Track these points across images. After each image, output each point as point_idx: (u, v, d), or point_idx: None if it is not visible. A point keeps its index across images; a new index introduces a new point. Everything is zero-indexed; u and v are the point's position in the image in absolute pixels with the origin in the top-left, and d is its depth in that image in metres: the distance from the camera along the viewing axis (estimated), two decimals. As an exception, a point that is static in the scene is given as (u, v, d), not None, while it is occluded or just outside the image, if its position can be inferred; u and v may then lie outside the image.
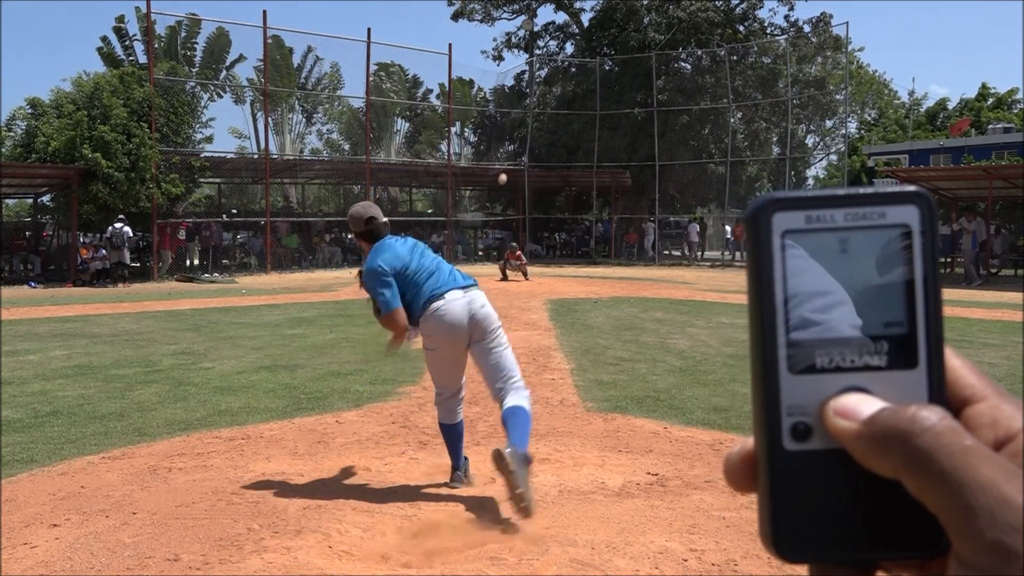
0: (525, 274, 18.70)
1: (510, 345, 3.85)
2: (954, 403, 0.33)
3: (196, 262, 24.20)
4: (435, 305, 3.71)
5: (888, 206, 0.34)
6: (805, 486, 0.34)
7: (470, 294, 3.78)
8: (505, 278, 18.53)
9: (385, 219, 4.07)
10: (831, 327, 0.34)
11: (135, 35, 25.53)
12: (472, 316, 3.72)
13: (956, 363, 0.34)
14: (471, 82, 34.39)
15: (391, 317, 3.75)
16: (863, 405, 0.33)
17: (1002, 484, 0.28)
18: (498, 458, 3.25)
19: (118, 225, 18.65)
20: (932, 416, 0.31)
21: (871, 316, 0.34)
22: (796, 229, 0.34)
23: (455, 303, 3.72)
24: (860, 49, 44.67)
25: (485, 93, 33.76)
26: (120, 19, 25.72)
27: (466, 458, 4.02)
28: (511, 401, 3.63)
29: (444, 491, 3.82)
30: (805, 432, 0.34)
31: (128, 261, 19.05)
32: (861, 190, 0.34)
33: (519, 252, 19.52)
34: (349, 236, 26.82)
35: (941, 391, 0.34)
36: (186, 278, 20.33)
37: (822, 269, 0.34)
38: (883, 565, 0.34)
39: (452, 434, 3.96)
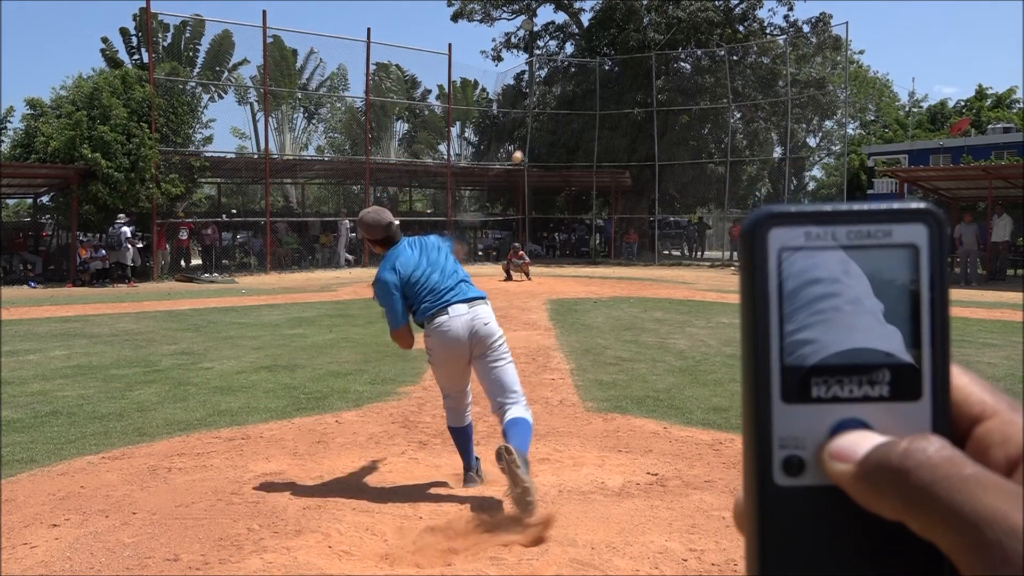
0: (527, 274, 18.74)
1: (513, 360, 3.82)
2: (964, 423, 0.31)
3: (198, 262, 24.20)
4: (438, 320, 3.69)
5: (895, 224, 0.32)
6: (797, 525, 0.31)
7: (475, 309, 3.73)
8: (509, 278, 18.56)
9: (397, 221, 4.09)
10: (829, 354, 0.32)
11: (142, 34, 25.53)
12: (474, 333, 3.68)
13: (963, 380, 0.32)
14: (475, 83, 34.40)
15: (398, 333, 3.80)
16: (859, 444, 0.30)
17: (1010, 514, 0.26)
18: (505, 453, 3.24)
19: (117, 224, 18.65)
20: (927, 447, 0.28)
21: (873, 343, 0.32)
22: (795, 246, 0.32)
23: (457, 319, 3.68)
24: (861, 52, 44.70)
25: (488, 93, 33.76)
26: (135, 16, 25.71)
27: (477, 458, 4.02)
28: (513, 413, 3.62)
29: (444, 491, 3.82)
30: (798, 466, 0.31)
31: (128, 262, 19.01)
32: (866, 206, 0.32)
33: (521, 252, 19.54)
34: (350, 236, 26.86)
35: (946, 423, 0.31)
36: (186, 278, 20.32)
37: (821, 291, 0.32)
38: None
39: (462, 436, 3.96)
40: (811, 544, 0.31)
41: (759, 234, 0.32)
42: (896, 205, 0.32)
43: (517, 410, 3.62)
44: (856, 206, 0.32)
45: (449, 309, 3.69)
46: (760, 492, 0.32)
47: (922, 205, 0.32)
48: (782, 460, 0.32)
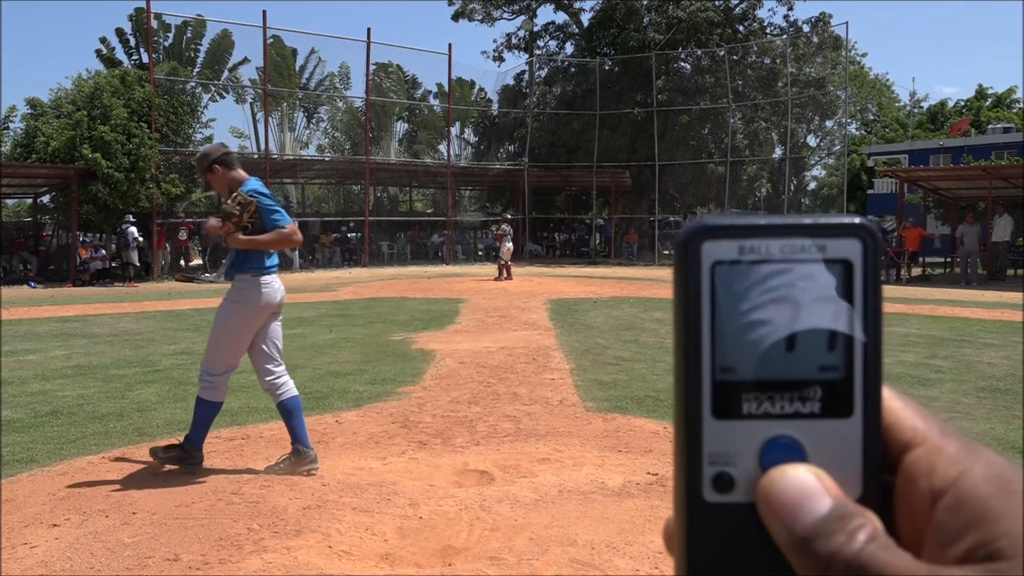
0: (508, 272, 17.73)
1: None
2: (895, 449, 0.31)
3: (198, 262, 24.19)
4: (270, 278, 4.06)
5: (828, 239, 0.31)
6: (726, 543, 0.31)
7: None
8: (499, 277, 18.05)
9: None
10: (761, 369, 0.31)
11: (141, 34, 25.53)
12: (280, 302, 4.15)
13: (896, 404, 0.32)
14: (472, 83, 34.40)
15: (294, 228, 4.12)
16: (800, 507, 0.29)
17: None
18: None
19: (124, 226, 18.75)
20: (861, 538, 0.28)
21: (805, 359, 0.31)
22: (727, 260, 0.31)
23: (277, 282, 4.14)
24: (863, 55, 44.70)
25: (487, 93, 33.76)
26: (131, 16, 25.70)
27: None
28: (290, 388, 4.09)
29: (444, 491, 3.82)
30: (728, 483, 0.31)
31: (136, 262, 19.11)
32: (801, 219, 0.32)
33: (504, 228, 18.35)
34: (350, 236, 26.87)
35: (877, 441, 0.31)
36: (186, 278, 20.33)
37: (754, 306, 0.31)
38: None
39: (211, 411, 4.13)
40: (740, 562, 0.31)
41: (692, 247, 0.31)
42: (831, 220, 0.32)
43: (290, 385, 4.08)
44: (791, 220, 0.32)
45: (274, 272, 4.12)
46: (689, 509, 0.31)
47: (856, 220, 0.31)
48: (712, 477, 0.31)
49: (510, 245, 18.71)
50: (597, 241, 30.46)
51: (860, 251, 0.31)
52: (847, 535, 0.28)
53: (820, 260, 0.31)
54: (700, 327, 0.31)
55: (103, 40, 25.90)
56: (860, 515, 0.29)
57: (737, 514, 0.31)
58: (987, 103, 35.22)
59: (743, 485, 0.31)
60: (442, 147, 32.69)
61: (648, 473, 4.02)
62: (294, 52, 30.56)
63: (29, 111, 20.04)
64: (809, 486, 0.30)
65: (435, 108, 33.63)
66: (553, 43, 32.71)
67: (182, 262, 23.76)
